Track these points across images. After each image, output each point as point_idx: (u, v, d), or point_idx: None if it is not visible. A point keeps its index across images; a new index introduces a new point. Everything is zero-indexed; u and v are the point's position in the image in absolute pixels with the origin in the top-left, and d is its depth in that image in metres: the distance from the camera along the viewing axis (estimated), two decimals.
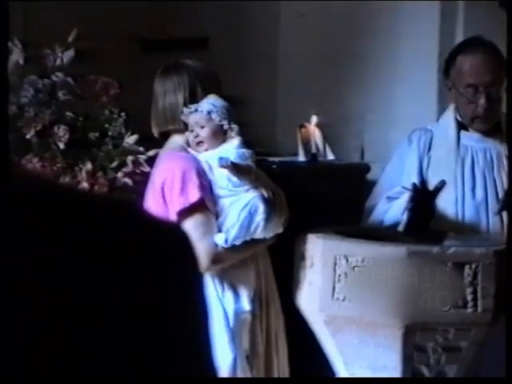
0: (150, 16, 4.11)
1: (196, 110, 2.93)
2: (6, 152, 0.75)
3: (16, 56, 3.30)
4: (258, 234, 2.88)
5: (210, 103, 2.95)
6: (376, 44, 4.16)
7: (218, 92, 3.00)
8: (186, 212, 2.81)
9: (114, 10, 3.86)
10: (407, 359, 2.76)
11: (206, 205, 2.83)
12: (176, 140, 3.00)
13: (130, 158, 3.27)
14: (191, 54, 3.97)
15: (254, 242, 2.89)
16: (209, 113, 2.92)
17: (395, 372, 2.77)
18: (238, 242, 2.83)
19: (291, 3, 4.30)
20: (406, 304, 2.72)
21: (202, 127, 2.93)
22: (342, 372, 2.87)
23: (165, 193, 2.85)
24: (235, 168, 2.83)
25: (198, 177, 2.83)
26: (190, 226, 2.77)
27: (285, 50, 4.36)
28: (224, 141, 2.95)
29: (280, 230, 2.94)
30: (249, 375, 2.86)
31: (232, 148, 2.92)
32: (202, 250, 2.70)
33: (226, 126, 2.94)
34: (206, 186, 2.85)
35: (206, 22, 4.31)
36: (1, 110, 0.74)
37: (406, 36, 4.10)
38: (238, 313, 2.86)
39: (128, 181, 3.26)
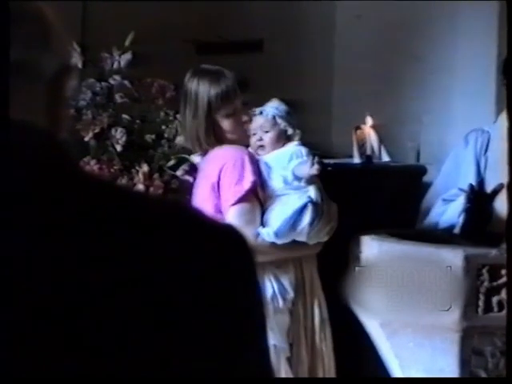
0: (205, 19, 4.13)
1: (261, 113, 2.96)
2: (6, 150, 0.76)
3: (74, 59, 3.35)
4: (301, 236, 2.87)
5: (275, 107, 2.98)
6: (433, 45, 4.12)
7: (230, 99, 2.92)
8: (240, 199, 2.81)
9: (169, 13, 3.89)
10: (464, 363, 2.73)
11: (257, 193, 2.84)
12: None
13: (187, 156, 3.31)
14: (246, 56, 3.99)
15: (294, 244, 2.88)
16: (274, 117, 2.96)
17: (452, 376, 2.74)
18: (281, 240, 2.83)
19: (347, 4, 4.28)
20: (464, 307, 2.69)
21: (266, 131, 2.96)
22: (398, 375, 2.85)
23: (220, 183, 2.83)
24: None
25: (251, 163, 2.84)
26: (236, 212, 2.78)
27: (340, 51, 4.34)
28: (284, 145, 2.98)
29: (323, 239, 2.93)
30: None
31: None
32: None
33: (290, 132, 2.97)
34: (258, 173, 2.86)
35: (260, 25, 4.32)
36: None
37: (463, 36, 4.05)
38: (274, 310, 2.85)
39: (189, 178, 3.31)
